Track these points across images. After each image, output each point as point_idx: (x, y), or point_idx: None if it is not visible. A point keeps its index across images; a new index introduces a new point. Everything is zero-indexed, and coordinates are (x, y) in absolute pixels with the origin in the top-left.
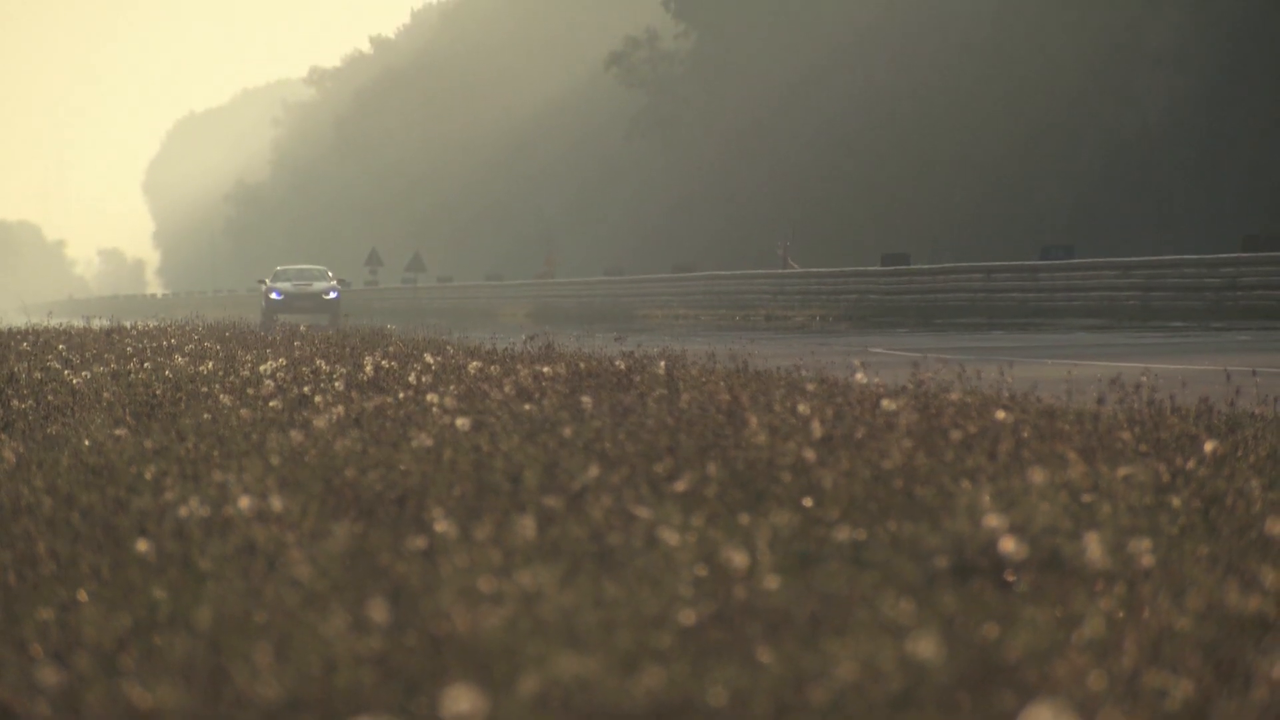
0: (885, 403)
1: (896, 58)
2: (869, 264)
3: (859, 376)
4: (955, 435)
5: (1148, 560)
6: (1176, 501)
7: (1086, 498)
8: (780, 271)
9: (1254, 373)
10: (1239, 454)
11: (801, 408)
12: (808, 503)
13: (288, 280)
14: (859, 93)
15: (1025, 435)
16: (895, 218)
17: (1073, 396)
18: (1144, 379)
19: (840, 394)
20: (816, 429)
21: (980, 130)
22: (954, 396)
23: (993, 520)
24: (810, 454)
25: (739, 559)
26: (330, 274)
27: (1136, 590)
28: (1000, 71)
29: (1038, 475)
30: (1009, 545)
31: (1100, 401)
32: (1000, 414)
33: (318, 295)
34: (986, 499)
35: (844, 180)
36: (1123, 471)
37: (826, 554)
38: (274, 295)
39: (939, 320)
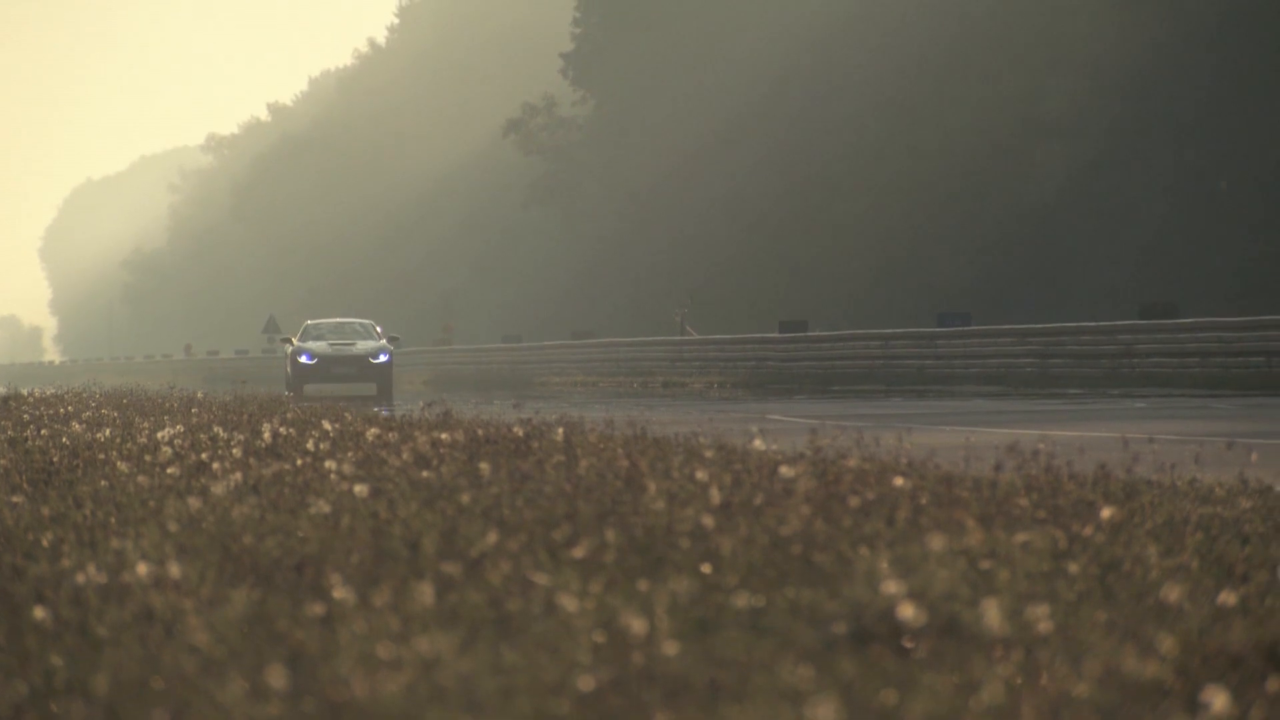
0: (783, 469)
1: (796, 125)
2: (767, 331)
3: (757, 443)
4: (853, 502)
5: (1046, 626)
6: (1074, 568)
7: (984, 564)
8: (678, 339)
9: (1151, 439)
10: (1136, 520)
11: (700, 474)
12: (706, 569)
13: (321, 339)
14: (759, 160)
15: (923, 502)
16: (794, 285)
17: (970, 463)
18: (1042, 446)
19: (738, 460)
20: (715, 495)
21: (879, 198)
22: (852, 463)
23: (891, 586)
24: (709, 520)
25: (637, 625)
26: (378, 329)
27: (1034, 656)
28: (899, 140)
29: (936, 542)
30: (907, 612)
31: (998, 468)
32: (898, 480)
33: (362, 359)
34: (884, 565)
35: (742, 247)
36: (1020, 538)
37: (725, 620)
38: (303, 359)
39: (837, 387)
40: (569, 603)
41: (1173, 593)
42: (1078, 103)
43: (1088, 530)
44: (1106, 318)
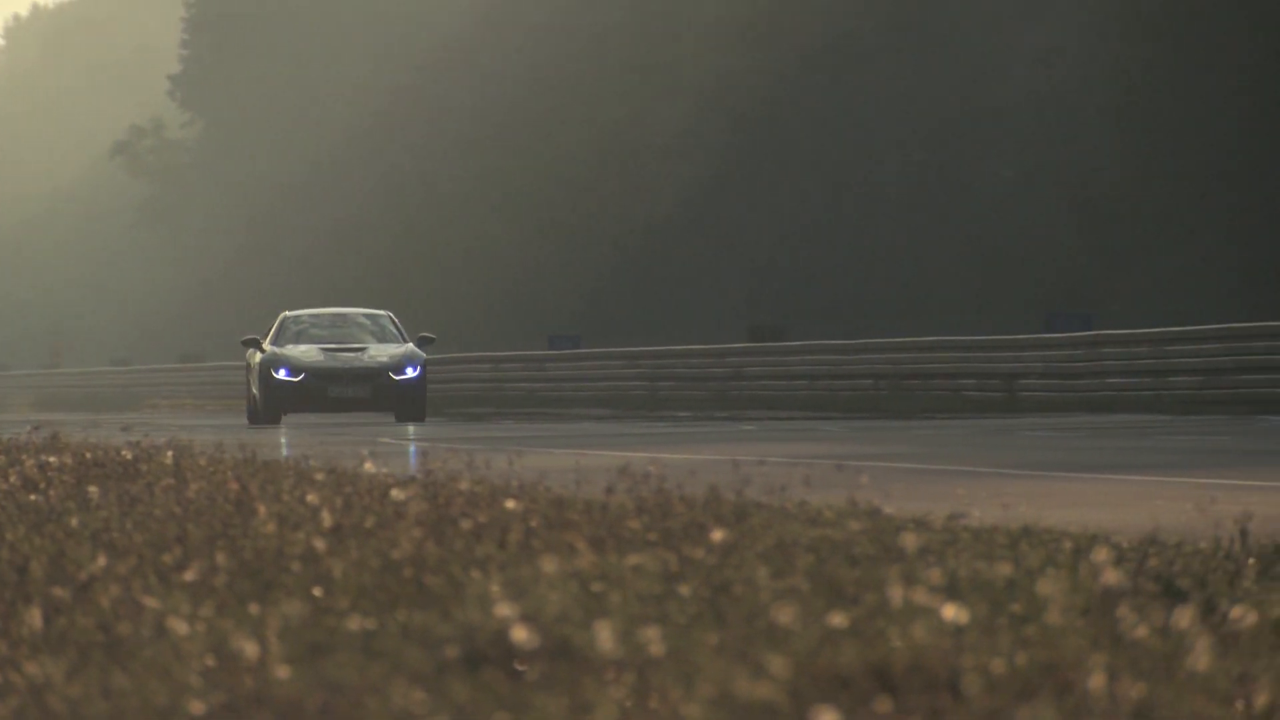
0: (395, 492)
1: (407, 149)
2: None
3: (368, 466)
4: (465, 524)
5: (658, 648)
6: (686, 590)
7: (597, 586)
8: None
9: (761, 462)
10: (747, 543)
11: (310, 497)
12: (318, 592)
13: (310, 340)
14: (371, 184)
15: (534, 524)
16: (407, 307)
17: (582, 486)
18: (653, 468)
19: (350, 483)
20: (326, 518)
21: (489, 220)
22: (463, 485)
23: (503, 609)
24: (320, 543)
25: (249, 649)
26: (395, 322)
27: (647, 678)
28: (510, 163)
29: (548, 564)
30: (520, 634)
31: (609, 491)
32: (510, 503)
33: (379, 373)
34: (497, 588)
35: (353, 270)
36: (632, 560)
37: (337, 643)
38: (282, 374)
39: (449, 410)
40: (179, 626)
41: (783, 614)
42: (688, 126)
43: (699, 553)
44: (717, 341)
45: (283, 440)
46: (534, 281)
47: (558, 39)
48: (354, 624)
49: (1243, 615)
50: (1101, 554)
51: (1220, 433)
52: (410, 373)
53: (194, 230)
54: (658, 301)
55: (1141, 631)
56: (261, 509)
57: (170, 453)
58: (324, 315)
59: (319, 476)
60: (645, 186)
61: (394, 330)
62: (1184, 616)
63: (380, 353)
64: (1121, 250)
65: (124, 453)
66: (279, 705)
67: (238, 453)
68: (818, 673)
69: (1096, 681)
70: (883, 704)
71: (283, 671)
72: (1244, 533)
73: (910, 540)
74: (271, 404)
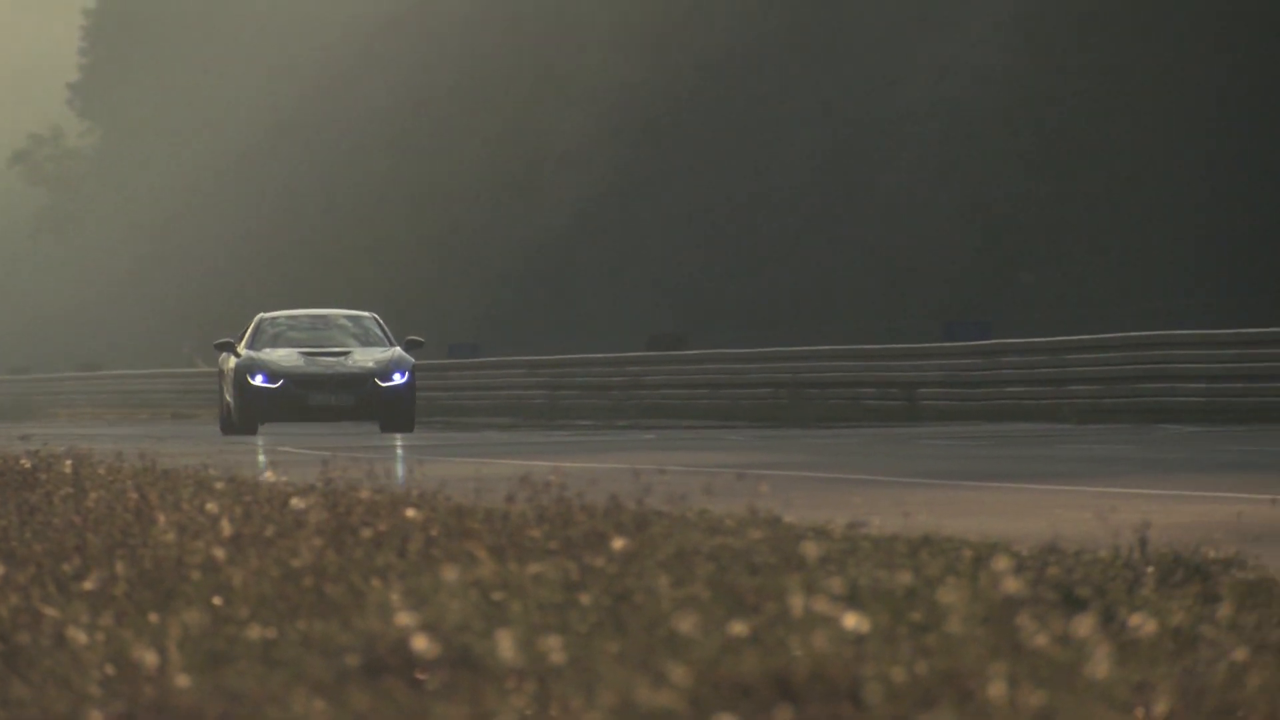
0: (295, 501)
1: (305, 161)
2: None
3: (268, 475)
4: (365, 533)
5: (559, 657)
6: (586, 599)
7: (497, 595)
8: (188, 370)
9: (662, 470)
10: (647, 551)
11: (210, 506)
12: (218, 601)
13: (288, 343)
14: (269, 194)
15: (435, 533)
16: None
17: (482, 494)
18: (553, 477)
19: (249, 492)
20: (226, 527)
21: (388, 227)
22: (364, 494)
23: (404, 618)
24: (220, 552)
25: (149, 658)
26: (381, 324)
27: (548, 687)
28: (410, 170)
29: (449, 573)
30: (420, 643)
31: (510, 499)
32: (410, 512)
33: (364, 380)
34: (397, 597)
35: (255, 278)
36: (533, 569)
37: (237, 653)
38: (258, 380)
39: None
40: (79, 635)
41: (684, 623)
42: (588, 134)
43: (600, 561)
44: (618, 349)
45: (261, 459)
46: (434, 289)
47: (458, 47)
48: (254, 633)
49: (1141, 623)
50: (1001, 563)
51: (1119, 441)
52: (398, 379)
53: (93, 239)
54: (558, 310)
55: (1041, 640)
56: (161, 518)
57: (69, 461)
58: (303, 317)
59: (219, 486)
60: (545, 195)
61: (379, 333)
62: (1083, 625)
63: (365, 357)
64: (1021, 259)
65: (22, 461)
66: (179, 714)
67: (137, 462)
68: (719, 681)
69: (996, 690)
70: (783, 712)
71: (183, 681)
72: (1143, 541)
73: (811, 549)
74: (247, 413)
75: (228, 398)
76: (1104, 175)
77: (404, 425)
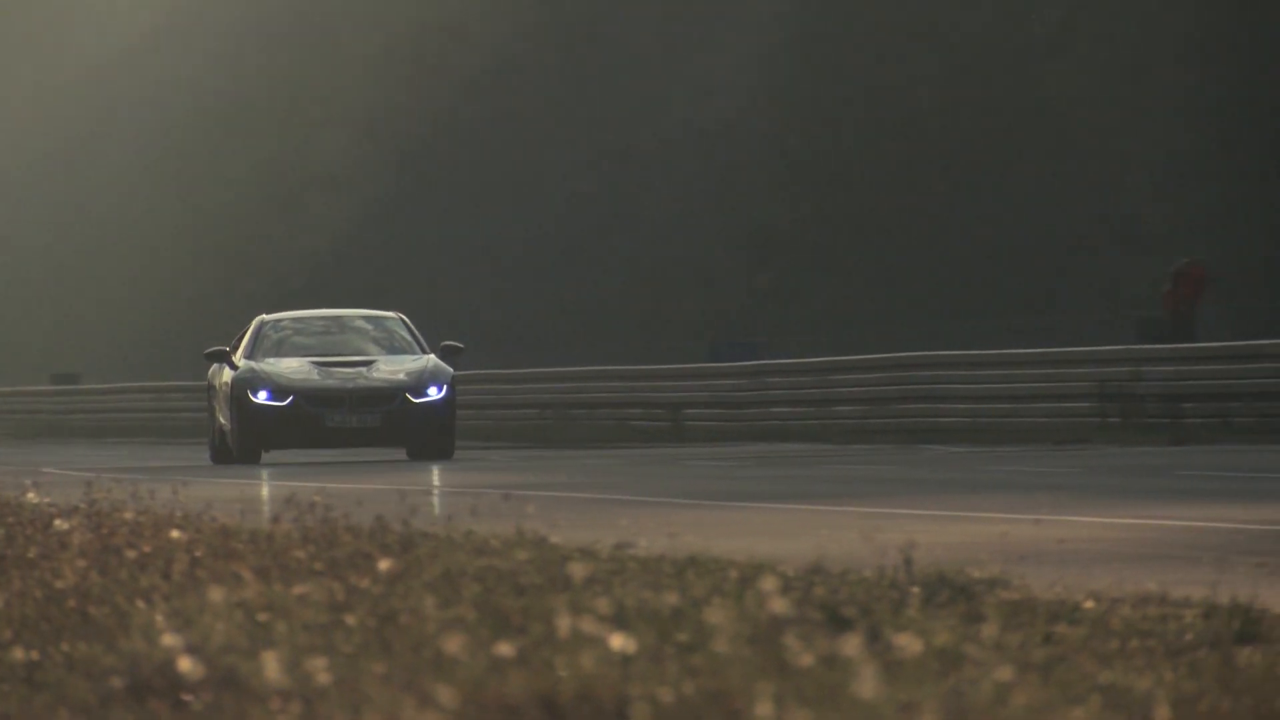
0: (58, 522)
1: (65, 179)
2: (38, 384)
3: (30, 496)
4: (130, 554)
5: (325, 678)
6: (352, 620)
7: (263, 616)
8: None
9: (428, 492)
10: (413, 572)
11: None
12: None
13: (298, 352)
14: (26, 212)
15: (200, 554)
16: (66, 336)
17: (247, 515)
18: (318, 498)
19: (11, 513)
20: None
21: (156, 251)
22: (128, 515)
23: (169, 640)
24: None
25: None
26: (407, 324)
27: (314, 708)
28: (173, 194)
29: (214, 594)
30: (185, 665)
31: (274, 520)
32: (175, 533)
33: (393, 393)
34: (162, 618)
35: (13, 297)
36: (298, 590)
37: (0, 675)
38: (261, 397)
39: (112, 439)
40: None
41: (451, 644)
42: (351, 157)
43: (365, 582)
44: None
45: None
46: (198, 311)
47: (220, 67)
48: (17, 655)
49: (907, 643)
50: (768, 583)
51: (884, 462)
52: (434, 394)
53: None
54: None
55: (807, 660)
56: None
57: None
58: (313, 318)
59: None
60: (308, 217)
61: (408, 337)
62: (849, 644)
63: (393, 367)
64: (786, 281)
65: None
66: None
67: None
68: (485, 702)
69: (763, 709)
70: None
71: None
72: (908, 561)
73: (577, 570)
74: (249, 437)
75: (221, 419)
76: (873, 196)
77: (442, 451)
